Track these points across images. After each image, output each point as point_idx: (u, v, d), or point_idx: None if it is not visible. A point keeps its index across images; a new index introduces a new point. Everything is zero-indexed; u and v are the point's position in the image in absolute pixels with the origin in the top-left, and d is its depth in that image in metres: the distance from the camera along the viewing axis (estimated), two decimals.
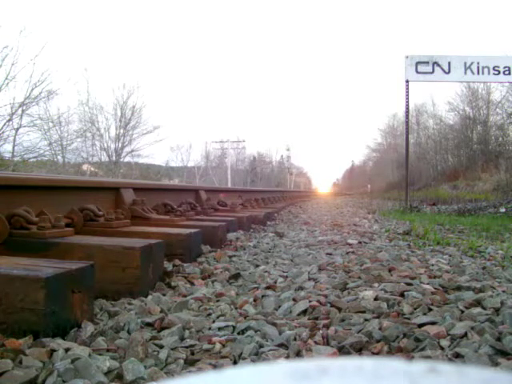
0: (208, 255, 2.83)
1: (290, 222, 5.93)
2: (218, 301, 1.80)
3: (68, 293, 1.37)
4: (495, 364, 1.10)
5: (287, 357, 1.21)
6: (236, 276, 2.26)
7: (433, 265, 2.54)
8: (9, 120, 17.38)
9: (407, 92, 11.74)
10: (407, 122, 12.41)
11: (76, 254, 1.92)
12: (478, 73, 11.67)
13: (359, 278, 2.10)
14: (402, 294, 1.76)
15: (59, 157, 22.73)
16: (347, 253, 2.96)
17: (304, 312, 1.60)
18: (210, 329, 1.44)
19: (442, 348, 1.22)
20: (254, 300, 1.81)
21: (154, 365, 1.16)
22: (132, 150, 28.81)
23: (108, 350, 1.23)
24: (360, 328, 1.39)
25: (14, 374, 1.03)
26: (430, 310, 1.54)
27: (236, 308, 1.71)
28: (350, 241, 3.59)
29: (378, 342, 1.28)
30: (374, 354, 1.22)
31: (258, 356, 1.21)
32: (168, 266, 2.32)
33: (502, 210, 8.68)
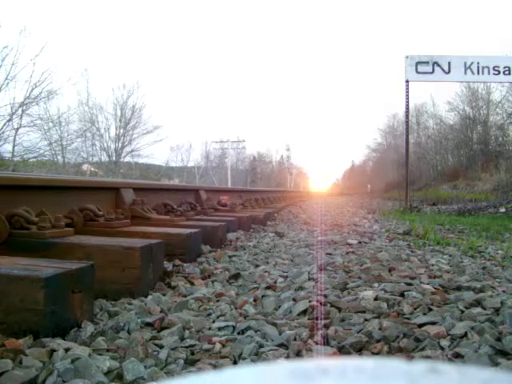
0: (208, 255, 2.83)
1: (290, 222, 5.94)
2: (218, 301, 1.80)
3: (68, 293, 1.37)
4: (495, 364, 1.10)
5: (287, 357, 1.20)
6: (236, 276, 2.26)
7: (433, 265, 2.54)
8: (9, 120, 17.39)
9: (407, 92, 11.74)
10: (407, 122, 12.40)
11: (76, 254, 1.92)
12: (478, 73, 11.66)
13: (359, 278, 2.10)
14: (402, 294, 1.75)
15: (59, 157, 22.75)
16: (347, 253, 2.96)
17: (304, 312, 1.60)
18: (210, 329, 1.44)
19: (442, 348, 1.22)
20: (254, 300, 1.81)
21: (154, 365, 1.16)
22: (132, 150, 28.82)
23: (108, 350, 1.23)
24: (360, 328, 1.39)
25: (14, 374, 1.03)
26: (430, 309, 1.54)
27: (236, 308, 1.71)
28: (349, 241, 3.59)
29: (378, 341, 1.28)
30: (374, 353, 1.22)
31: (258, 356, 1.21)
32: (168, 265, 2.32)
33: (502, 210, 8.69)
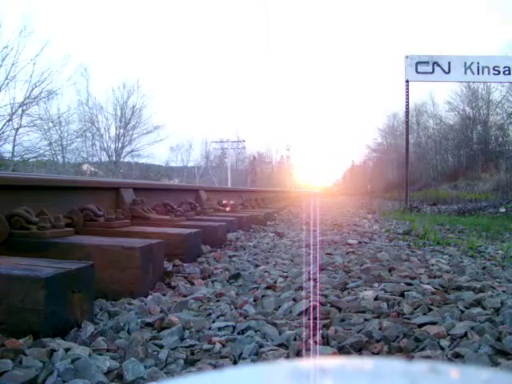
0: (208, 255, 2.83)
1: (289, 222, 5.93)
2: (218, 301, 1.80)
3: (68, 293, 1.37)
4: (495, 364, 1.10)
5: (287, 357, 1.20)
6: (236, 276, 2.26)
7: (433, 265, 2.54)
8: (9, 120, 17.42)
9: (407, 92, 11.74)
10: (407, 122, 12.41)
11: (76, 254, 1.92)
12: (478, 73, 11.68)
13: (359, 278, 2.10)
14: (402, 294, 1.75)
15: (59, 157, 22.79)
16: (347, 253, 2.96)
17: (304, 312, 1.60)
18: (210, 329, 1.44)
19: (442, 348, 1.22)
20: (254, 300, 1.81)
21: (154, 365, 1.16)
22: (132, 150, 28.89)
23: (108, 350, 1.23)
24: (360, 328, 1.39)
25: (13, 374, 1.03)
26: (430, 310, 1.54)
27: (236, 308, 1.71)
28: (350, 241, 3.59)
29: (378, 341, 1.28)
30: (374, 353, 1.22)
31: (257, 356, 1.21)
32: (168, 266, 2.32)
33: (502, 210, 8.69)
